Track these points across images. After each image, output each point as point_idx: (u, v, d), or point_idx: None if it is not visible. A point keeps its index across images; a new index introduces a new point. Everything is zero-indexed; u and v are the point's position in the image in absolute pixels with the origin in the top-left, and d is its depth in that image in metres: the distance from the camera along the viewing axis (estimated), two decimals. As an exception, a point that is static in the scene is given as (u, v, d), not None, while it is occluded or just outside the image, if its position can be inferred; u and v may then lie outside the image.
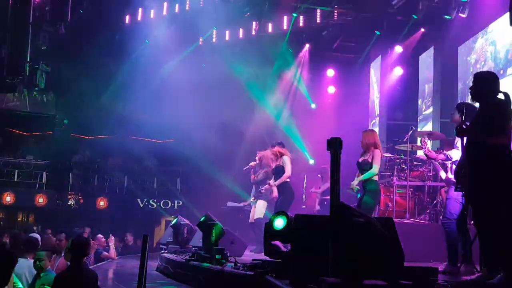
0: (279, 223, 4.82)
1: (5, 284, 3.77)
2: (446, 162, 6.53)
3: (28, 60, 16.02)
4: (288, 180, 9.25)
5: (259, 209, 9.61)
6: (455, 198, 6.16)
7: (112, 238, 11.68)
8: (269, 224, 4.91)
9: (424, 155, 7.23)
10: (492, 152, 4.79)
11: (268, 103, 16.52)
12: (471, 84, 5.19)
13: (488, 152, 4.81)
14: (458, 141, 6.32)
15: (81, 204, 18.03)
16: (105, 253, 11.23)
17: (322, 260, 3.69)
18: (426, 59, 13.86)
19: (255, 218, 9.62)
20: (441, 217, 7.43)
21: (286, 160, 9.33)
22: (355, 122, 14.03)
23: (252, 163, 10.43)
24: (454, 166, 6.30)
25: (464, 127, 5.06)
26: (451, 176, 6.40)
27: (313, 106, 16.73)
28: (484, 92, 5.07)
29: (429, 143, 10.21)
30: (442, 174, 7.24)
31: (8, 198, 17.01)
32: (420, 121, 13.85)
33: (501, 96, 4.94)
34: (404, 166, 9.65)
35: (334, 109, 16.40)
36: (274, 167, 9.50)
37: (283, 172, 9.23)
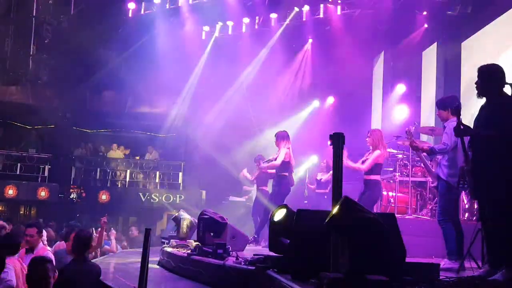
0: (279, 214, 4.84)
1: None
2: (438, 157, 6.49)
3: (31, 53, 16.12)
4: (286, 174, 9.32)
5: None
6: (447, 194, 6.25)
7: (113, 231, 11.68)
8: (271, 218, 4.93)
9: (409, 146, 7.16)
10: (497, 149, 4.70)
11: (272, 97, 16.49)
12: (474, 80, 5.06)
13: (492, 149, 4.73)
14: (444, 136, 6.31)
15: (83, 197, 18.06)
16: (107, 246, 11.23)
17: (324, 255, 3.69)
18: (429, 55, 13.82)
19: None
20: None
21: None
22: (359, 118, 14.01)
23: None
24: (444, 162, 6.33)
25: (462, 127, 4.94)
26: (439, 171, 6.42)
27: (316, 104, 16.70)
28: (490, 86, 4.90)
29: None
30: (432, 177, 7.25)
31: (11, 191, 17.02)
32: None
33: (508, 88, 4.82)
34: (406, 162, 9.64)
35: (337, 104, 16.35)
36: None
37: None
